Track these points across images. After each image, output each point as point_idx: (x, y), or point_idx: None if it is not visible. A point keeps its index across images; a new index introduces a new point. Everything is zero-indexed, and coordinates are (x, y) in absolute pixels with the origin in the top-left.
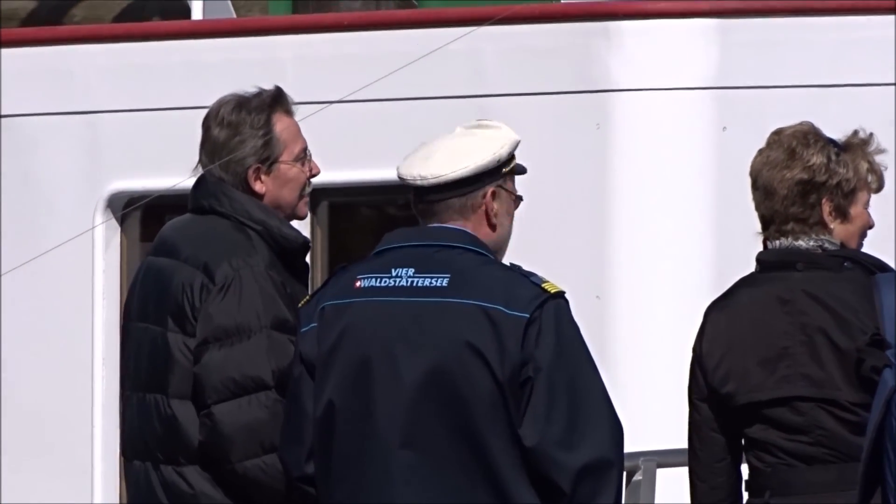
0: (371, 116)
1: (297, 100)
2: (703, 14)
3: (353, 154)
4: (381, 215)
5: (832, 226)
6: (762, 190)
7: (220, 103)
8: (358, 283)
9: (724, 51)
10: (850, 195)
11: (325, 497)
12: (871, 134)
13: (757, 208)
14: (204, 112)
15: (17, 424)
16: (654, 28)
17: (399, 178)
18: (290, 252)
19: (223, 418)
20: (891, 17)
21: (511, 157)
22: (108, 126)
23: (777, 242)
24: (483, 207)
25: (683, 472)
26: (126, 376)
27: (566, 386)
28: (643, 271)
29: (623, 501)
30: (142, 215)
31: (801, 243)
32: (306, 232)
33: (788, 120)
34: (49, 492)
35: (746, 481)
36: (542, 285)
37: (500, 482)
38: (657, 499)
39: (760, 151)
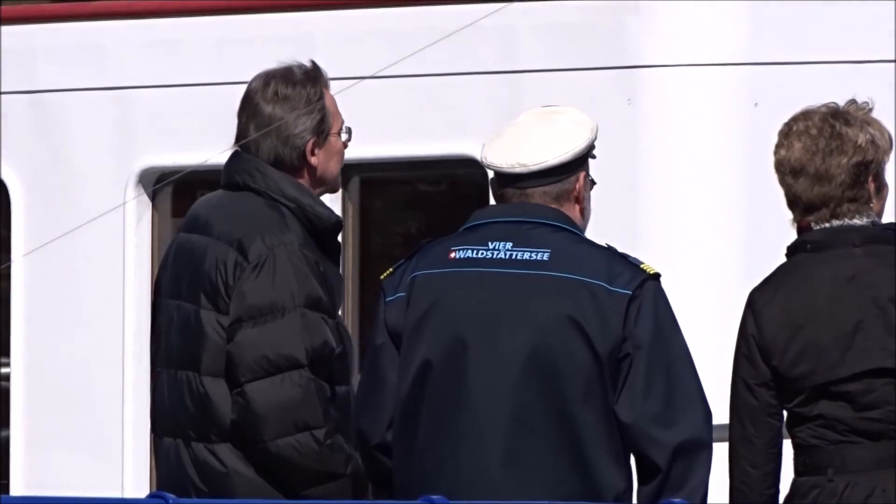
0: (403, 92)
1: (331, 75)
2: None
3: (385, 130)
4: (413, 191)
5: (874, 201)
6: (813, 177)
7: (265, 78)
8: (453, 254)
9: (755, 26)
10: (884, 168)
11: (407, 462)
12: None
13: (801, 195)
14: (235, 87)
15: (47, 402)
16: (685, 4)
17: (489, 166)
18: (322, 230)
19: (256, 396)
20: None
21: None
22: (140, 102)
23: (827, 225)
24: (575, 192)
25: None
26: (157, 353)
27: (663, 365)
28: (674, 248)
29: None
30: (173, 191)
31: (857, 221)
32: (337, 208)
33: (821, 96)
34: (80, 470)
35: (799, 459)
36: (641, 266)
37: (588, 460)
38: None
39: (793, 137)
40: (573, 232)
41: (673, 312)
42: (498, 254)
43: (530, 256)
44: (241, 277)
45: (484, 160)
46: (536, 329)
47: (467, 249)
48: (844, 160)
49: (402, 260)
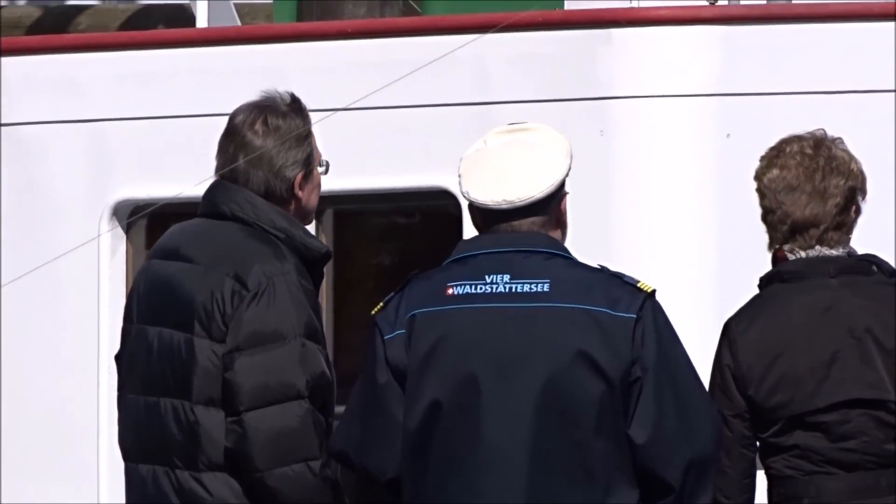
0: (376, 124)
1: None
2: (707, 21)
3: (359, 162)
4: (386, 222)
5: (851, 232)
6: (810, 194)
7: (251, 109)
8: (450, 291)
9: (727, 57)
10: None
11: (419, 498)
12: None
13: (793, 213)
14: (209, 119)
15: (22, 428)
16: (658, 35)
17: (473, 202)
18: (310, 261)
19: (254, 425)
20: (892, 24)
21: None
22: (114, 134)
23: (803, 254)
24: (558, 214)
25: None
26: (128, 379)
27: (671, 383)
28: (647, 277)
29: None
30: (147, 223)
31: (833, 251)
32: None
33: (793, 126)
34: (55, 497)
35: (774, 490)
36: (638, 285)
37: (605, 487)
38: None
39: (787, 157)
40: (566, 257)
41: (672, 327)
42: (497, 287)
43: (531, 289)
44: (239, 306)
45: (467, 195)
46: (547, 364)
47: (465, 285)
48: (842, 182)
49: (392, 294)
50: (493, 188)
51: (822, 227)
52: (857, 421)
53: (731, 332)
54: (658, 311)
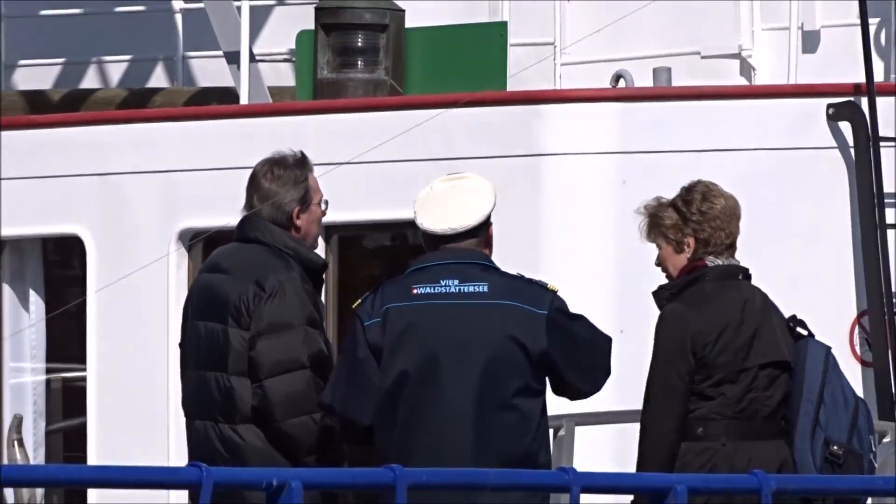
0: (370, 173)
1: (317, 161)
2: (610, 99)
3: (357, 201)
4: (377, 245)
5: None
6: (738, 218)
7: (266, 163)
8: (415, 291)
9: (624, 125)
10: None
11: (387, 441)
12: None
13: (734, 234)
14: (249, 171)
15: (113, 397)
16: (575, 109)
17: (426, 230)
18: (313, 270)
19: (272, 388)
20: (744, 101)
21: None
22: (180, 181)
23: (720, 261)
24: (486, 238)
25: (594, 429)
26: (186, 359)
27: (577, 344)
28: (561, 285)
29: (551, 453)
30: (204, 245)
31: (735, 261)
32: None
33: (674, 176)
34: (137, 446)
35: (696, 429)
36: (546, 286)
37: (525, 432)
38: (575, 449)
39: (717, 191)
40: (495, 267)
41: (568, 308)
42: (450, 288)
43: (474, 289)
44: (259, 304)
45: (422, 226)
46: (488, 346)
47: (426, 286)
48: (739, 210)
49: (368, 293)
50: (441, 220)
51: (735, 243)
52: (773, 378)
53: (685, 314)
54: (561, 302)
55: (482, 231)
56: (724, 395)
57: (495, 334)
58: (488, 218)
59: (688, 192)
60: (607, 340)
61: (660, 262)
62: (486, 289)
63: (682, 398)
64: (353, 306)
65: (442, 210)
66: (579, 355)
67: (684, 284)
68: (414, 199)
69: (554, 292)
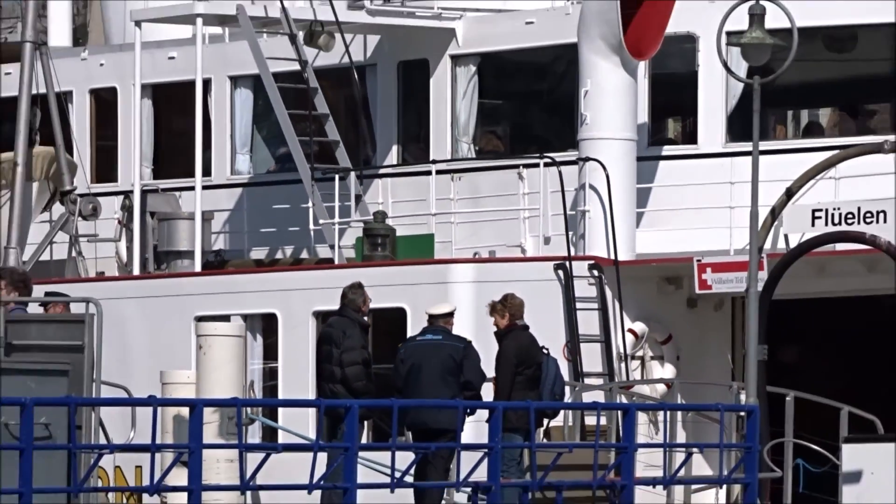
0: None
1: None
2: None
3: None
4: (388, 320)
5: None
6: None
7: (349, 286)
8: (418, 339)
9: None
10: None
11: (404, 394)
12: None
13: (520, 315)
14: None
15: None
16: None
17: (429, 313)
18: (363, 327)
19: (347, 372)
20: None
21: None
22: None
23: (519, 322)
24: (451, 321)
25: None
26: (319, 363)
27: (472, 367)
28: (466, 334)
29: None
30: (322, 317)
31: (525, 324)
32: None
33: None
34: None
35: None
36: (465, 338)
37: (454, 392)
38: None
39: (511, 297)
40: (450, 332)
41: (473, 348)
42: (432, 339)
43: (440, 339)
44: (343, 339)
45: (426, 312)
46: (442, 359)
47: (425, 335)
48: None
49: (402, 343)
50: (434, 309)
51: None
52: (533, 377)
53: (511, 344)
54: (470, 346)
55: (448, 317)
56: (526, 377)
57: (444, 354)
58: (451, 313)
59: (504, 298)
60: (479, 363)
61: (495, 323)
62: (441, 337)
63: (512, 377)
64: (399, 346)
65: (435, 308)
66: (471, 366)
67: (505, 332)
68: (426, 309)
69: (467, 341)
